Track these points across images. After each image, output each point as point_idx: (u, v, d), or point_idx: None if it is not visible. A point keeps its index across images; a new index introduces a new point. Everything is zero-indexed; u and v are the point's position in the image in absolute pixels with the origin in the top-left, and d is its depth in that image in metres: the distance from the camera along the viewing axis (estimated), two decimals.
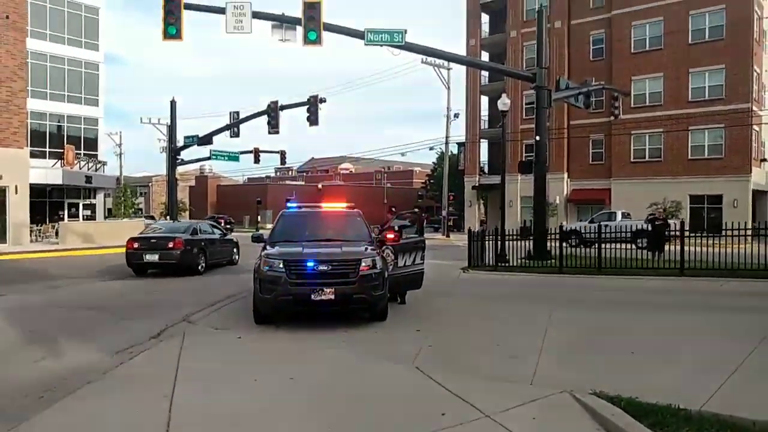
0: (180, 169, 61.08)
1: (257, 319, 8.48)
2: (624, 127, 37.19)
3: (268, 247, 9.01)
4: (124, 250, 15.75)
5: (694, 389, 5.12)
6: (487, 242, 17.86)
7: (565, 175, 41.67)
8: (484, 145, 48.27)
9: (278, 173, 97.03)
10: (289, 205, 10.54)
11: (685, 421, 4.26)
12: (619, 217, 29.23)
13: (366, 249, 8.76)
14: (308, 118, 25.85)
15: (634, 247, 17.76)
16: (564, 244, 17.21)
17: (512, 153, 43.09)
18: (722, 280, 12.87)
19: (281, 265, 8.09)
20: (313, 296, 7.92)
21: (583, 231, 23.27)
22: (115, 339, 7.55)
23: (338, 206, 10.62)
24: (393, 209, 11.28)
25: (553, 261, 17.18)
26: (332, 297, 7.96)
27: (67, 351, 6.99)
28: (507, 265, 17.10)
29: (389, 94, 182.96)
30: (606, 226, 20.00)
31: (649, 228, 19.28)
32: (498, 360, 6.48)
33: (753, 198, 34.85)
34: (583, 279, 14.25)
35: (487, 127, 46.46)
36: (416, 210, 11.02)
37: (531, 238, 19.20)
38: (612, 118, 27.99)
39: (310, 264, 8.06)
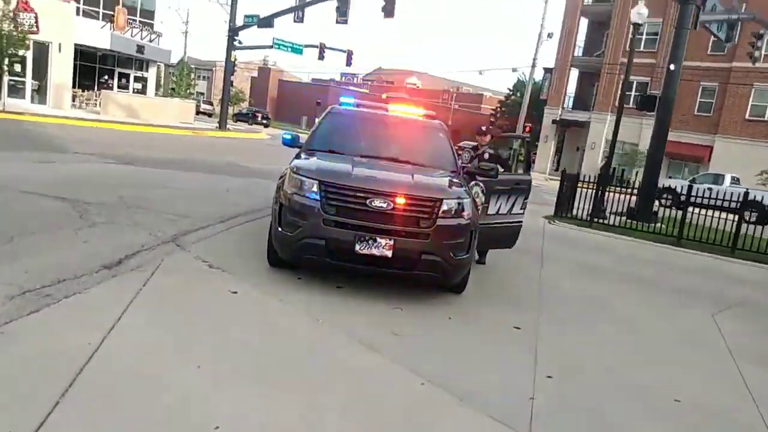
0: (244, 57, 58.25)
1: (271, 260, 5.60)
2: (747, 77, 31.51)
3: (302, 155, 5.99)
4: (168, 130, 12.92)
5: None
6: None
7: None
8: (573, 75, 42.89)
9: (344, 78, 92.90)
10: (342, 100, 7.35)
11: None
12: (727, 181, 24.68)
13: (451, 183, 5.61)
14: (384, 8, 21.99)
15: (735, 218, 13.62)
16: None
17: (604, 88, 38.15)
18: None
19: (315, 188, 5.06)
20: (358, 247, 4.91)
21: (681, 191, 19.24)
22: (46, 263, 4.83)
23: (413, 112, 7.35)
24: (485, 129, 7.78)
25: (662, 226, 13.64)
26: (388, 253, 4.93)
27: None
28: (605, 222, 13.68)
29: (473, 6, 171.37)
30: (709, 189, 16.37)
31: None
32: None
33: None
34: (718, 261, 10.71)
35: (581, 54, 40.94)
36: (527, 135, 7.59)
37: (625, 191, 15.36)
38: (750, 62, 22.76)
39: (360, 194, 4.99)
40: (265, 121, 49.00)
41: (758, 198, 15.86)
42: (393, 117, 7.07)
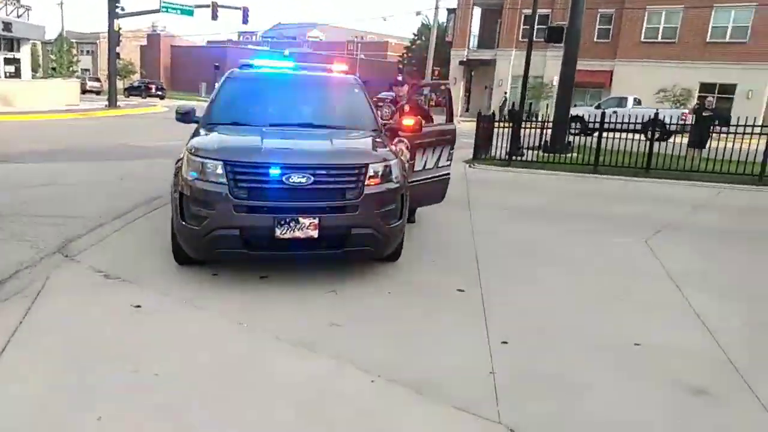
0: (131, 25, 54.08)
1: (179, 258, 4.87)
2: (640, 1, 32.57)
3: (201, 131, 5.20)
4: (51, 115, 11.33)
5: None
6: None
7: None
8: (476, 14, 42.69)
9: (242, 37, 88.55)
10: (242, 62, 6.54)
11: None
12: (630, 103, 25.66)
13: (375, 145, 5.06)
14: None
15: (643, 138, 14.00)
16: None
17: (507, 25, 38.27)
18: None
19: (220, 170, 4.34)
20: (279, 231, 4.29)
21: (588, 118, 19.64)
22: None
23: (322, 69, 6.66)
24: (401, 78, 7.25)
25: (576, 155, 13.80)
26: (314, 233, 4.35)
27: None
28: (523, 159, 13.63)
29: None
30: (614, 113, 17.00)
31: (693, 119, 16.14)
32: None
33: None
34: (635, 183, 10.99)
35: None
36: (447, 82, 7.13)
37: (540, 125, 15.27)
38: None
39: (274, 170, 4.33)
40: (160, 93, 46.09)
41: (666, 119, 16.42)
42: (301, 76, 6.37)
